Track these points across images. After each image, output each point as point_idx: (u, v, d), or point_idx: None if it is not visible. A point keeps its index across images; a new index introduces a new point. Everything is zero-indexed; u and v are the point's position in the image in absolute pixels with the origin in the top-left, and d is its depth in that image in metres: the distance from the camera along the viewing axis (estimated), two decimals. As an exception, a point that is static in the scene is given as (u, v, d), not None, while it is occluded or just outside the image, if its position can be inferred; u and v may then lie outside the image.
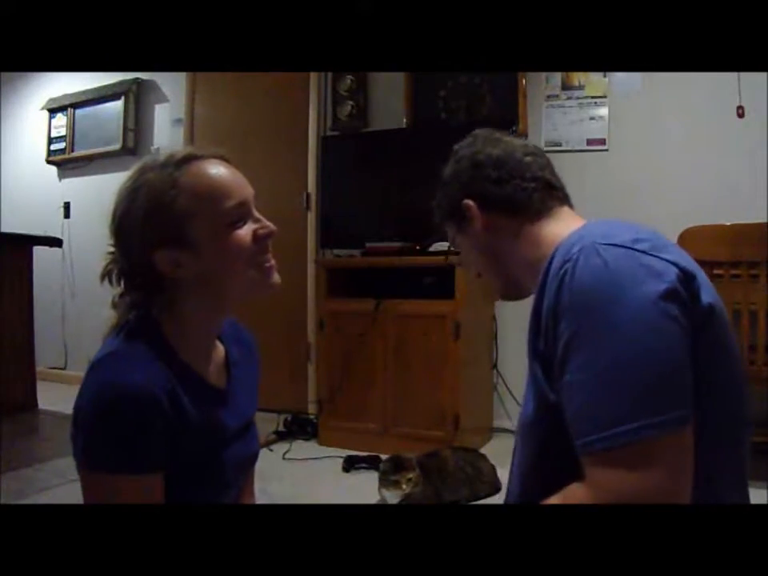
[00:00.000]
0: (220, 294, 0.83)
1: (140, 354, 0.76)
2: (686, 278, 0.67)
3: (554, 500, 0.67)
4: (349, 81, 3.33)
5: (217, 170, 0.81)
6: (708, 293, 0.69)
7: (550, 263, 0.71)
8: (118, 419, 0.71)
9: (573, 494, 0.64)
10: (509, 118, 2.93)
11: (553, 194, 0.89)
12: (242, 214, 0.81)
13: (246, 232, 0.81)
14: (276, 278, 0.85)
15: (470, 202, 0.90)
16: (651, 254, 0.67)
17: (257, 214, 0.84)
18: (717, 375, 0.69)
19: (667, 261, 0.67)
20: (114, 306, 0.83)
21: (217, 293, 0.83)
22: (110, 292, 0.85)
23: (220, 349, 0.92)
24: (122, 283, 0.84)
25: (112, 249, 0.84)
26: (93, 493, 0.74)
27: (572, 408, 0.66)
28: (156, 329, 0.81)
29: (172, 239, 0.78)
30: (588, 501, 0.62)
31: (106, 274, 0.84)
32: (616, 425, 0.61)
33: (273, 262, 0.84)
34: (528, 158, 0.90)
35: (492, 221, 0.89)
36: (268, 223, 0.84)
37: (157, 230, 0.78)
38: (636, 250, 0.67)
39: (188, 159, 0.81)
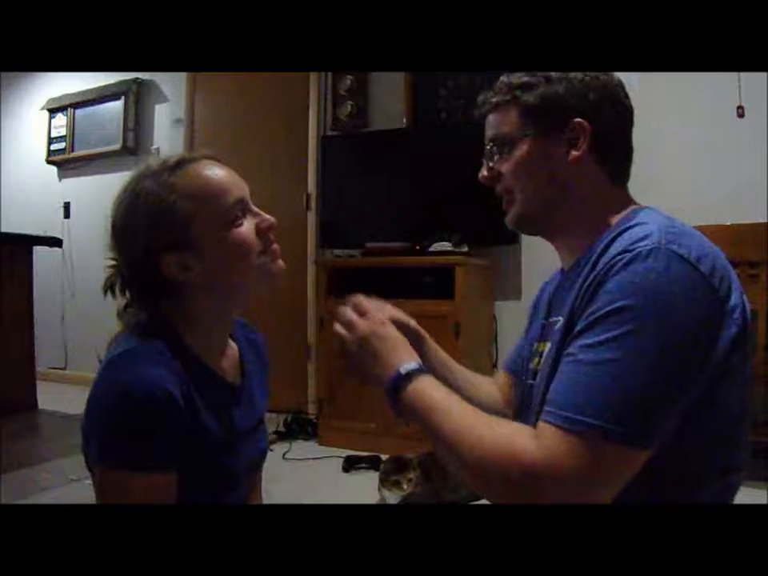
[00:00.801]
0: (229, 291, 0.84)
1: (155, 351, 0.76)
2: (744, 317, 0.68)
3: (504, 427, 0.67)
4: (349, 81, 3.33)
5: (211, 170, 0.82)
6: (749, 312, 0.70)
7: (609, 244, 0.71)
8: (133, 416, 0.71)
9: (524, 438, 0.64)
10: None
11: (631, 164, 0.85)
12: (241, 210, 0.82)
13: (248, 227, 0.82)
14: (280, 263, 0.86)
15: (586, 125, 0.78)
16: (713, 282, 0.66)
17: (255, 209, 0.85)
18: (727, 397, 0.69)
19: (732, 304, 0.67)
20: (120, 316, 0.84)
21: (226, 290, 0.83)
22: (101, 290, 0.85)
23: (233, 347, 0.93)
24: (128, 294, 0.84)
25: (113, 261, 0.84)
26: (105, 489, 0.74)
27: (560, 377, 0.67)
28: (169, 326, 0.81)
29: (177, 243, 0.79)
30: (532, 453, 0.62)
31: (108, 287, 0.84)
32: (587, 414, 0.61)
33: (275, 246, 0.85)
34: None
35: (586, 158, 0.79)
36: (267, 216, 0.85)
37: (161, 236, 0.79)
38: (702, 272, 0.65)
39: (181, 163, 0.82)
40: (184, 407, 0.75)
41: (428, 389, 0.72)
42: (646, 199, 0.86)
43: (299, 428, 2.94)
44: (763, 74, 2.51)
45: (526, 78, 0.80)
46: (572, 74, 0.79)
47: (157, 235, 0.79)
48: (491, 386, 1.05)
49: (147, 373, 0.72)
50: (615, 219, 0.78)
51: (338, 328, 0.82)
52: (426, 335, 0.98)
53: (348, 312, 0.81)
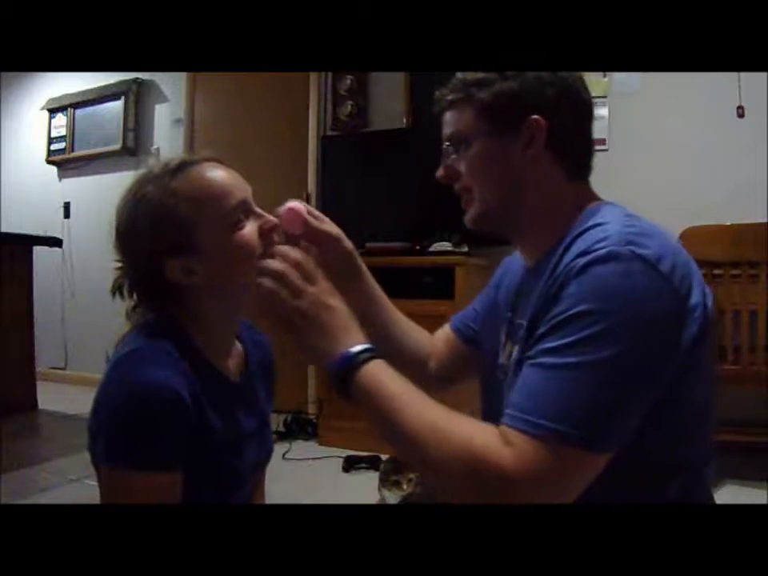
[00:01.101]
0: (234, 293, 0.84)
1: (163, 351, 0.76)
2: (705, 314, 0.67)
3: (467, 425, 0.65)
4: (349, 81, 3.33)
5: (213, 172, 0.82)
6: (710, 309, 0.69)
7: (569, 245, 0.70)
8: (141, 416, 0.71)
9: (489, 438, 0.63)
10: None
11: (593, 158, 0.82)
12: (243, 213, 0.81)
13: (250, 230, 0.81)
14: None
15: (542, 122, 0.76)
16: (673, 282, 0.65)
17: (258, 210, 0.84)
18: (691, 390, 0.70)
19: (693, 303, 0.66)
20: (129, 316, 0.84)
21: (230, 292, 0.83)
22: (108, 292, 0.85)
23: (239, 348, 0.93)
24: (135, 295, 0.84)
25: (120, 264, 0.84)
26: (111, 488, 0.74)
27: (523, 379, 0.67)
28: (176, 327, 0.81)
29: (180, 247, 0.79)
30: (499, 456, 0.61)
31: (117, 289, 0.84)
32: (548, 419, 0.61)
33: None
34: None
35: (543, 155, 0.77)
36: (270, 217, 0.85)
37: (163, 240, 0.79)
38: (661, 272, 0.65)
39: (183, 166, 0.81)
40: (191, 407, 0.75)
41: (383, 374, 0.69)
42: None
43: (299, 428, 2.94)
44: (763, 74, 2.51)
45: (481, 75, 0.78)
46: (538, 81, 0.77)
47: (159, 240, 0.79)
48: (424, 338, 1.06)
49: (155, 373, 0.73)
50: (575, 218, 0.77)
51: (280, 290, 0.71)
52: (362, 265, 0.95)
53: (293, 274, 0.72)
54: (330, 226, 0.91)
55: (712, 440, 0.76)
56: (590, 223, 0.72)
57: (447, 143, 0.83)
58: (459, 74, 0.81)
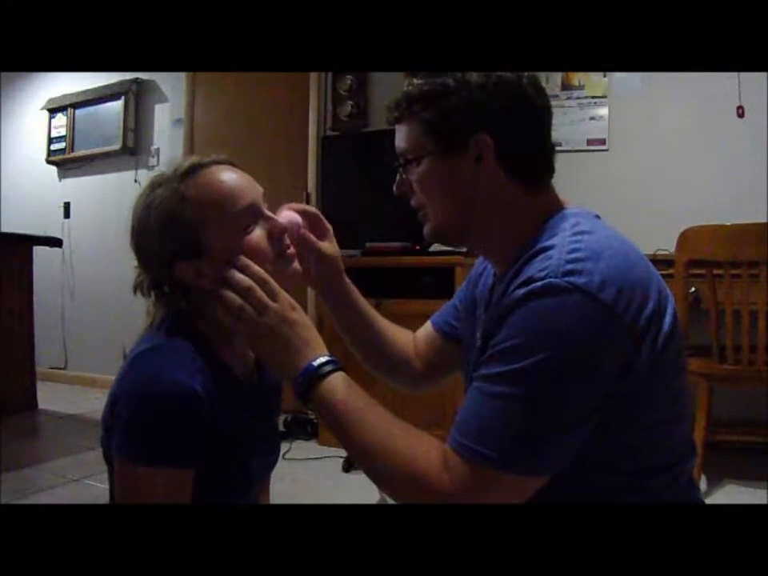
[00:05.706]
0: None
1: (181, 349, 0.77)
2: (645, 330, 0.66)
3: (418, 446, 0.68)
4: (349, 81, 3.34)
5: (221, 176, 0.81)
6: (670, 318, 0.69)
7: (520, 269, 0.70)
8: (158, 412, 0.72)
9: (434, 458, 0.67)
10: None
11: (553, 162, 0.79)
12: (251, 216, 0.80)
13: (259, 234, 0.81)
14: (295, 266, 0.85)
15: (488, 140, 0.74)
16: (616, 309, 0.64)
17: (268, 213, 0.83)
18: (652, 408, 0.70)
19: (646, 319, 0.65)
20: (149, 314, 0.85)
21: None
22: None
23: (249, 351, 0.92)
24: (153, 294, 0.85)
25: (137, 263, 0.85)
26: (124, 482, 0.74)
27: (466, 401, 0.69)
28: (193, 327, 0.82)
29: (188, 251, 0.79)
30: (440, 479, 0.65)
31: (137, 286, 0.85)
32: (481, 444, 0.64)
33: (291, 250, 0.85)
34: (550, 119, 0.78)
35: (493, 171, 0.75)
36: (280, 221, 0.84)
37: (172, 244, 0.79)
38: (601, 300, 0.64)
39: (193, 170, 0.81)
40: (205, 406, 0.75)
41: (343, 387, 0.71)
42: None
43: (299, 428, 2.94)
44: (763, 74, 2.51)
45: (426, 88, 0.76)
46: (474, 80, 0.74)
47: (169, 244, 0.79)
48: (408, 338, 1.06)
49: (173, 369, 0.73)
50: (538, 228, 0.74)
51: (246, 306, 0.74)
52: (342, 270, 0.98)
53: (258, 292, 0.74)
54: (324, 246, 0.92)
55: (689, 436, 0.77)
56: (540, 245, 0.70)
57: (398, 159, 0.82)
58: (405, 87, 0.79)
